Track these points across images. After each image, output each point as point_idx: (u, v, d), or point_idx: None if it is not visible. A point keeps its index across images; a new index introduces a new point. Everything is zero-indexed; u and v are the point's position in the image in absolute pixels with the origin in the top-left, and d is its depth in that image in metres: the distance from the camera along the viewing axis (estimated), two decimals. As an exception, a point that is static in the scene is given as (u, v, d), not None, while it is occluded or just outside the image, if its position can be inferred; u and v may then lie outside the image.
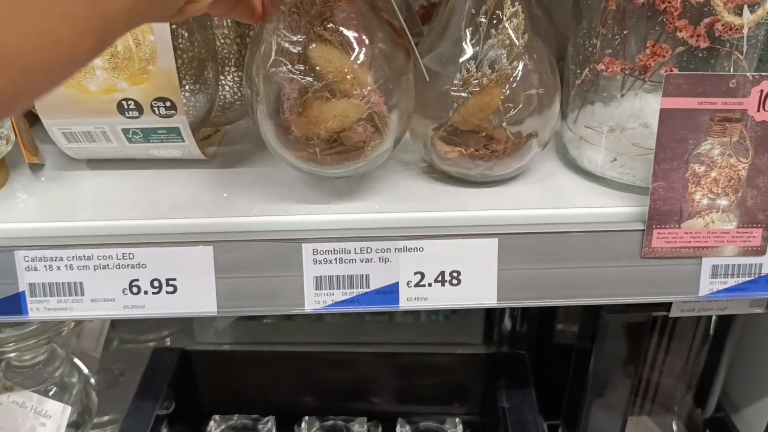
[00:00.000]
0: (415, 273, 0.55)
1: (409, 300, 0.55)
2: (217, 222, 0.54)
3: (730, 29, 0.51)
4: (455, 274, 0.55)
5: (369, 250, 0.54)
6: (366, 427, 0.81)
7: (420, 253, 0.54)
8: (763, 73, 0.51)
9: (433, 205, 0.56)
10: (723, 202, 0.54)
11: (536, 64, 0.56)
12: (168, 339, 1.02)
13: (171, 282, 0.54)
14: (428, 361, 0.83)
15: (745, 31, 0.49)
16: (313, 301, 0.55)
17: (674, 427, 0.82)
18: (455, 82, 0.55)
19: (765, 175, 0.53)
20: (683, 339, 0.75)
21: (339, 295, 0.55)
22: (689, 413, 0.82)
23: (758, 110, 0.52)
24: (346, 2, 0.52)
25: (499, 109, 0.55)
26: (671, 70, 0.53)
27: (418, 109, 0.57)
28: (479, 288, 0.55)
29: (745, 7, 0.49)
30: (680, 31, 0.51)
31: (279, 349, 0.86)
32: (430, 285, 0.55)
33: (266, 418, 0.81)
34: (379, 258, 0.54)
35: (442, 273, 0.55)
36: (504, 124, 0.56)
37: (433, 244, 0.54)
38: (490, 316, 0.97)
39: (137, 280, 0.54)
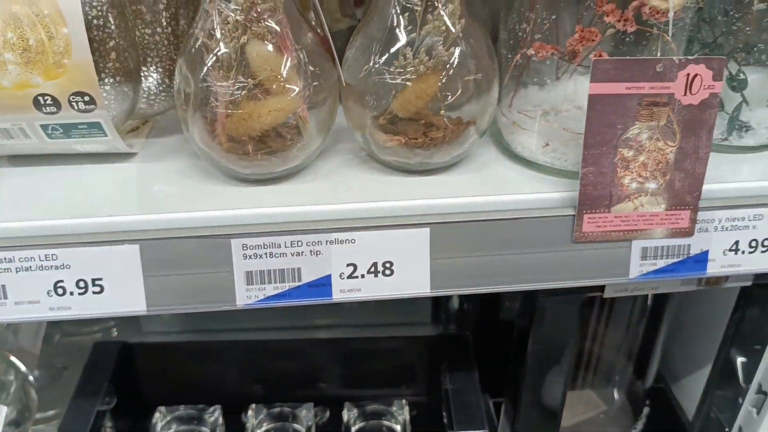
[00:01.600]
0: (348, 265, 0.54)
1: (342, 292, 0.55)
2: (143, 219, 0.52)
3: (657, 13, 0.51)
4: (388, 265, 0.54)
5: (300, 243, 0.53)
6: (313, 412, 0.81)
7: (352, 245, 0.54)
8: (689, 57, 0.51)
9: (366, 195, 0.55)
10: (652, 185, 0.54)
11: (473, 49, 0.55)
12: (114, 329, 1.00)
13: (97, 282, 0.52)
14: (373, 345, 0.83)
15: (671, 15, 0.49)
16: (245, 297, 0.54)
17: (616, 398, 0.84)
18: (392, 69, 0.54)
19: (692, 158, 0.54)
20: (622, 315, 0.76)
21: (271, 289, 0.54)
22: (630, 385, 0.84)
23: (685, 94, 0.52)
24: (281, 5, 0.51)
25: (437, 96, 0.55)
26: (600, 55, 0.53)
27: (355, 99, 0.56)
28: (412, 278, 0.55)
29: (669, -9, 0.49)
30: (608, 16, 0.51)
31: (224, 338, 0.85)
32: (363, 276, 0.55)
33: (212, 408, 0.80)
34: (311, 251, 0.53)
35: (375, 264, 0.54)
36: (442, 111, 0.55)
37: (364, 235, 0.53)
38: (438, 297, 0.98)
39: (62, 281, 0.52)
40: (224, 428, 0.80)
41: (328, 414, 0.83)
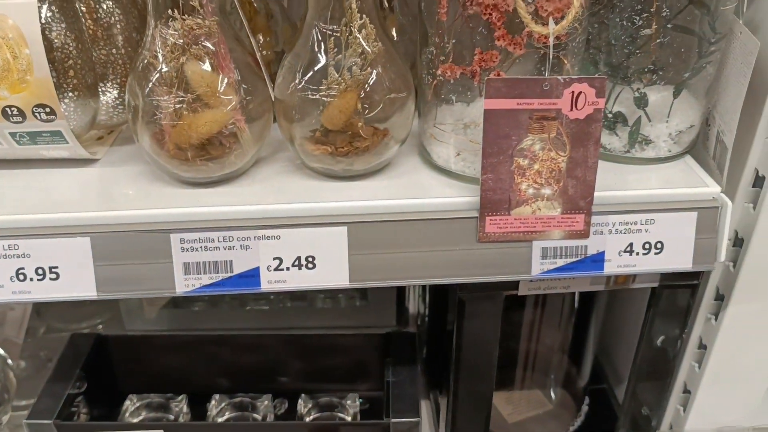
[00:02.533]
0: (274, 258, 0.61)
1: (270, 283, 0.62)
2: (95, 215, 0.60)
3: (543, 37, 0.57)
4: (310, 259, 0.61)
5: (231, 238, 0.60)
6: (273, 403, 0.88)
7: (277, 241, 0.60)
8: (573, 77, 0.57)
9: (292, 198, 0.62)
10: (547, 191, 0.61)
11: (388, 69, 0.62)
12: (100, 326, 1.08)
13: (54, 269, 0.60)
14: (329, 342, 0.89)
15: (551, 39, 0.56)
16: (183, 285, 0.61)
17: (554, 397, 0.89)
18: (314, 87, 0.61)
19: (582, 167, 0.60)
20: (553, 315, 0.82)
21: (206, 279, 0.61)
22: (568, 384, 0.89)
23: (571, 109, 0.58)
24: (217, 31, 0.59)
25: (356, 110, 0.62)
26: (498, 74, 0.59)
27: (284, 113, 0.63)
28: (333, 271, 0.61)
29: (551, 18, 0.56)
30: (498, 40, 0.58)
31: (192, 333, 0.92)
32: (288, 269, 0.61)
33: (179, 397, 0.87)
34: (241, 245, 0.60)
35: (299, 258, 0.61)
36: (360, 123, 0.62)
37: (288, 232, 0.60)
38: (401, 299, 1.04)
39: (23, 268, 0.60)
40: (189, 416, 0.87)
41: (286, 405, 0.89)
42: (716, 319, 0.75)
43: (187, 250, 0.60)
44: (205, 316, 1.06)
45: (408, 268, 0.62)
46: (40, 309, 1.01)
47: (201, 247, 0.60)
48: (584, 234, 0.62)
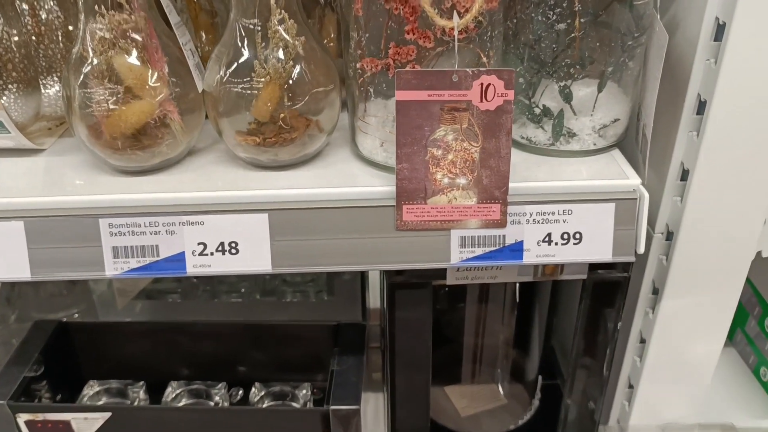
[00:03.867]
0: (199, 243, 0.63)
1: (195, 267, 0.64)
2: (28, 201, 0.63)
3: (450, 31, 0.59)
4: (233, 245, 0.64)
5: (157, 224, 0.63)
6: (229, 391, 0.90)
7: (201, 227, 0.63)
8: (481, 69, 0.59)
9: (218, 186, 0.64)
10: (462, 180, 0.62)
11: (312, 62, 0.64)
12: (76, 315, 1.12)
13: (-10, 252, 0.63)
14: (285, 332, 0.91)
15: (456, 33, 0.57)
16: (113, 268, 0.64)
17: (503, 391, 0.90)
18: (237, 80, 0.63)
19: (495, 157, 0.61)
20: (496, 307, 0.83)
21: (134, 263, 0.64)
22: (517, 378, 0.90)
23: (481, 101, 0.60)
24: (148, 25, 0.62)
25: (282, 102, 0.64)
26: (414, 67, 0.61)
27: (212, 105, 0.65)
28: (255, 257, 0.64)
29: (455, 12, 0.57)
30: (408, 34, 0.59)
31: (152, 321, 0.95)
32: (212, 254, 0.64)
33: (138, 383, 0.90)
34: (166, 231, 0.63)
35: (222, 243, 0.64)
36: (283, 115, 0.64)
37: (212, 218, 0.63)
38: (364, 295, 1.06)
39: (-38, 250, 0.63)
40: (147, 402, 0.90)
41: (241, 393, 0.91)
42: (653, 313, 0.76)
43: (116, 234, 0.63)
44: (175, 308, 1.09)
45: (329, 255, 0.64)
46: (11, 297, 1.05)
47: (128, 231, 0.63)
48: (501, 223, 0.63)
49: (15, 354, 0.85)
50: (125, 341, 0.92)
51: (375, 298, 1.08)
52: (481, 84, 0.59)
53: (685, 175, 0.68)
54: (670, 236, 0.72)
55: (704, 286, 0.73)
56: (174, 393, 0.90)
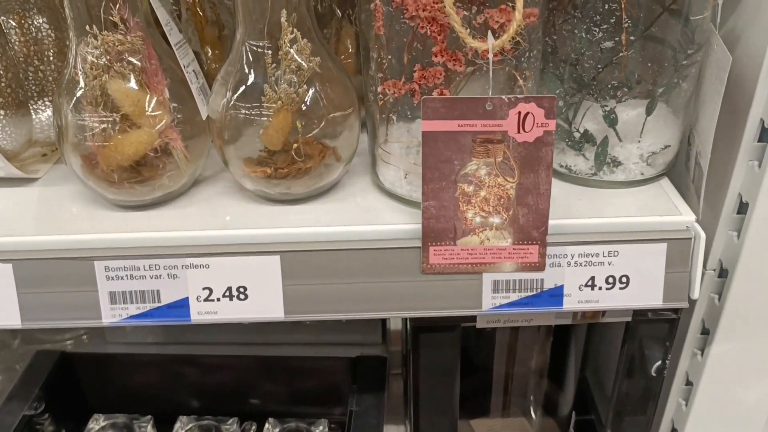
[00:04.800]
0: (204, 288, 0.57)
1: (200, 314, 0.58)
2: (16, 241, 0.57)
3: (484, 53, 0.52)
4: (242, 290, 0.58)
5: (158, 267, 0.57)
6: (241, 426, 0.85)
7: (207, 270, 0.57)
8: (518, 96, 0.52)
9: (226, 223, 0.58)
10: (495, 220, 0.56)
11: (327, 85, 0.58)
12: (84, 337, 1.07)
13: (-23, 297, 0.58)
14: (301, 365, 0.86)
15: (491, 55, 0.51)
16: (110, 315, 0.58)
17: (535, 426, 0.84)
18: (245, 106, 0.57)
19: (533, 194, 0.55)
20: (528, 342, 0.77)
21: (133, 309, 0.58)
22: (549, 413, 0.84)
23: (518, 131, 0.53)
24: (146, 46, 0.56)
25: (295, 129, 0.58)
26: (442, 93, 0.55)
27: (217, 133, 0.59)
28: (266, 303, 0.58)
29: (489, 33, 0.51)
30: (436, 56, 0.53)
31: (159, 353, 0.89)
32: (218, 300, 0.58)
33: (146, 417, 0.85)
34: (168, 274, 0.57)
35: (230, 288, 0.57)
36: (296, 145, 0.58)
37: (218, 261, 0.57)
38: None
39: (-55, 294, 0.57)
40: (155, 437, 0.84)
41: (254, 428, 0.86)
42: (702, 355, 0.69)
43: (113, 278, 0.57)
44: (186, 328, 1.03)
45: (348, 301, 0.58)
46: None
47: (126, 275, 0.57)
48: (539, 266, 0.57)
49: (15, 388, 0.80)
50: (132, 372, 0.87)
51: (396, 320, 1.02)
52: (519, 113, 0.52)
53: (743, 208, 0.61)
54: (723, 273, 0.65)
55: (761, 329, 0.66)
56: (183, 429, 0.84)
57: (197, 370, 0.87)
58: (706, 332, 0.68)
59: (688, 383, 0.72)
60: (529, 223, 0.56)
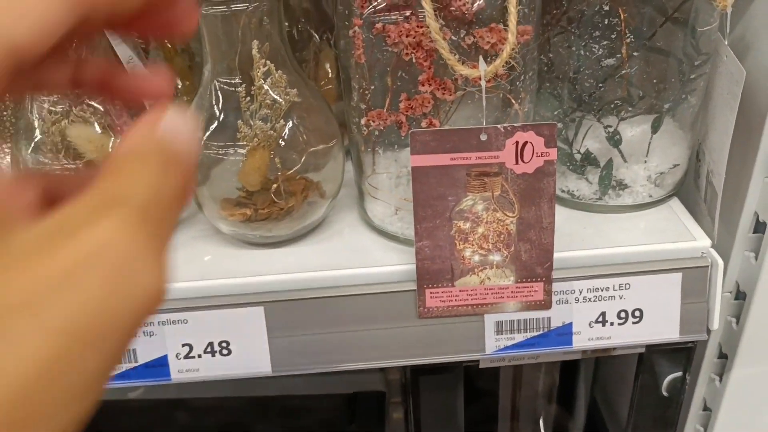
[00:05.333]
0: (183, 345, 0.53)
1: (180, 372, 0.54)
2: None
3: (476, 79, 0.48)
4: (225, 344, 0.53)
5: (131, 324, 0.52)
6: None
7: (185, 325, 0.52)
8: (515, 125, 0.48)
9: (203, 272, 0.54)
10: (496, 257, 0.51)
11: (305, 116, 0.53)
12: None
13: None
14: (296, 405, 0.81)
15: (483, 83, 0.46)
16: (82, 378, 0.53)
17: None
18: (216, 144, 0.52)
19: (535, 229, 0.50)
20: (535, 373, 0.72)
21: (107, 371, 0.53)
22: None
23: (516, 162, 0.49)
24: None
25: (274, 167, 0.53)
26: (431, 123, 0.50)
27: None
28: (251, 357, 0.53)
29: (480, 59, 0.46)
30: (423, 85, 0.48)
31: (149, 398, 0.85)
32: (200, 356, 0.53)
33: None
34: (144, 332, 0.52)
35: (211, 344, 0.53)
36: (275, 185, 0.53)
37: (196, 315, 0.52)
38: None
39: None
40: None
41: (252, 473, 0.81)
42: (720, 381, 0.65)
43: (83, 339, 0.52)
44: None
45: (339, 351, 0.54)
46: None
47: (98, 335, 0.52)
48: (545, 305, 0.52)
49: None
50: (119, 419, 0.82)
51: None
52: (516, 142, 0.48)
53: (759, 227, 0.57)
54: (739, 295, 0.61)
55: (784, 352, 0.61)
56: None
57: (189, 414, 0.82)
58: (724, 356, 0.64)
59: (706, 409, 0.68)
60: (533, 260, 0.51)
